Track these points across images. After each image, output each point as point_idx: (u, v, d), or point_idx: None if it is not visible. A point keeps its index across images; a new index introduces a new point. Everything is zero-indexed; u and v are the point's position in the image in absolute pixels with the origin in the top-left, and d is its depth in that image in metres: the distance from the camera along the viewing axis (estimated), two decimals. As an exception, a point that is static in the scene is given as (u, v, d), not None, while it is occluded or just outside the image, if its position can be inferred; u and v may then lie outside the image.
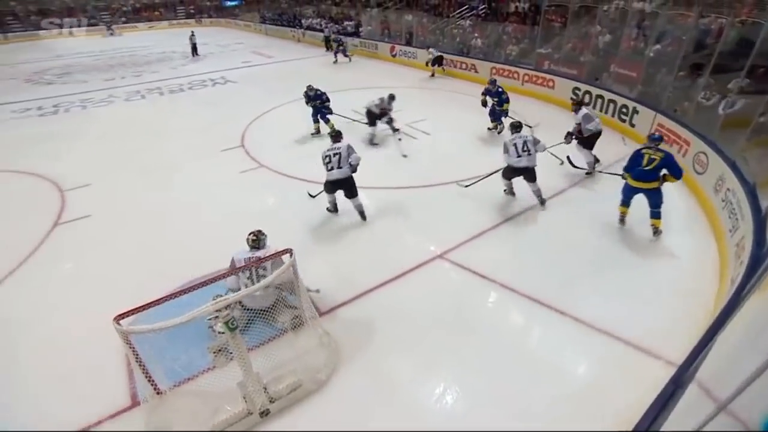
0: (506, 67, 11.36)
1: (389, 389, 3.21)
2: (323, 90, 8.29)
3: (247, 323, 3.17)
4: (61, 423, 3.04)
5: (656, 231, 4.72)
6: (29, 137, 9.32)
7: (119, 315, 2.66)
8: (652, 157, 4.46)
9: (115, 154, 8.05)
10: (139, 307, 2.71)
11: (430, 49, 13.07)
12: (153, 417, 2.92)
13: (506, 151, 5.41)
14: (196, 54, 19.24)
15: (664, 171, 4.45)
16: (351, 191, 5.21)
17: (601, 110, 8.51)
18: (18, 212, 6.14)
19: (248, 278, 3.42)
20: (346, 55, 15.86)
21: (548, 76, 10.13)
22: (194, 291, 2.85)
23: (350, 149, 5.15)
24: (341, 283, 4.28)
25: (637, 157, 4.61)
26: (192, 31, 20.89)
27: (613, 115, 8.23)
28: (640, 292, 4.04)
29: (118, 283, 4.42)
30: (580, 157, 6.36)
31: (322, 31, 20.12)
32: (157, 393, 3.02)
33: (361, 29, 17.89)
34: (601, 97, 8.57)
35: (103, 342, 3.46)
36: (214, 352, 2.88)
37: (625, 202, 4.85)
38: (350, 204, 5.33)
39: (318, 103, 8.15)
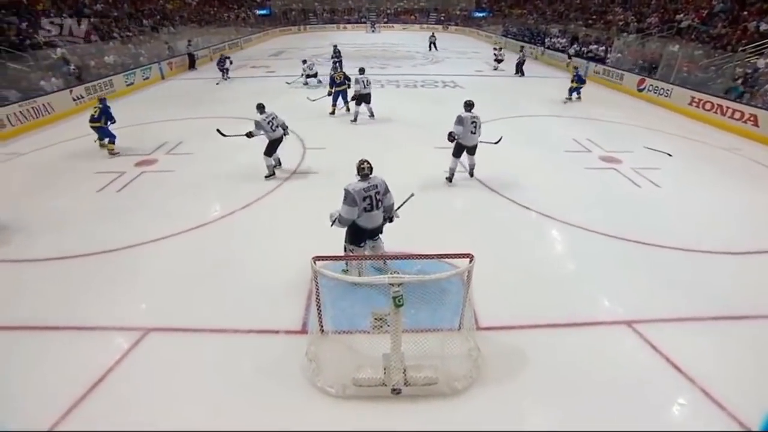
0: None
1: (516, 429, 2.99)
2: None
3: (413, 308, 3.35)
4: (251, 322, 3.88)
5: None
6: (294, 102, 11.94)
7: (317, 256, 3.20)
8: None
9: (350, 128, 9.60)
10: (334, 256, 3.20)
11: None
12: (312, 347, 3.44)
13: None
14: (435, 49, 23.93)
15: None
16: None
17: None
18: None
19: (369, 204, 3.83)
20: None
21: None
22: (379, 260, 3.18)
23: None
24: (509, 306, 4.11)
25: (579, 75, 12.39)
26: (432, 32, 25.84)
27: None
28: None
29: (321, 231, 5.31)
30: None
31: (563, 50, 19.17)
32: (321, 331, 3.54)
33: (609, 56, 16.22)
34: None
35: (298, 273, 4.25)
36: (375, 319, 3.19)
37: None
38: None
39: None
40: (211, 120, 10.40)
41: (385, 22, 41.19)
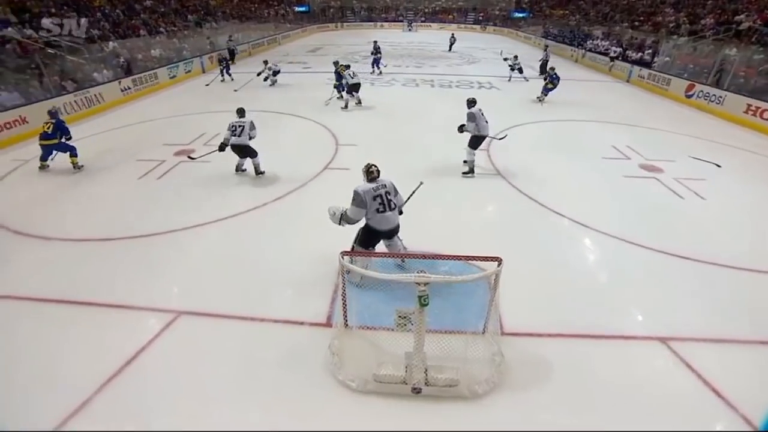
0: None
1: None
2: None
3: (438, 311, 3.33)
4: (277, 312, 3.97)
5: None
6: (323, 99, 12.03)
7: (345, 251, 3.24)
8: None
9: (381, 126, 9.68)
10: (362, 252, 3.22)
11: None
12: (335, 341, 3.48)
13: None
14: (451, 50, 24.00)
15: None
16: (251, 154, 6.73)
17: None
18: (310, 151, 8.19)
19: (380, 204, 3.91)
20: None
21: None
22: (404, 258, 3.17)
23: (252, 125, 6.61)
24: (536, 312, 4.02)
25: (556, 76, 11.70)
26: (452, 33, 25.57)
27: None
28: None
29: (352, 226, 5.36)
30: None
31: (606, 54, 18.48)
32: (345, 325, 3.58)
33: (655, 59, 15.49)
34: None
35: (324, 266, 4.31)
36: (400, 317, 3.18)
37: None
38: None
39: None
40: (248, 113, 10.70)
41: (422, 21, 40.98)
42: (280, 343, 3.67)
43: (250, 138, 6.66)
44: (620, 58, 17.22)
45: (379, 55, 16.49)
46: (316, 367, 3.38)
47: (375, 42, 17.07)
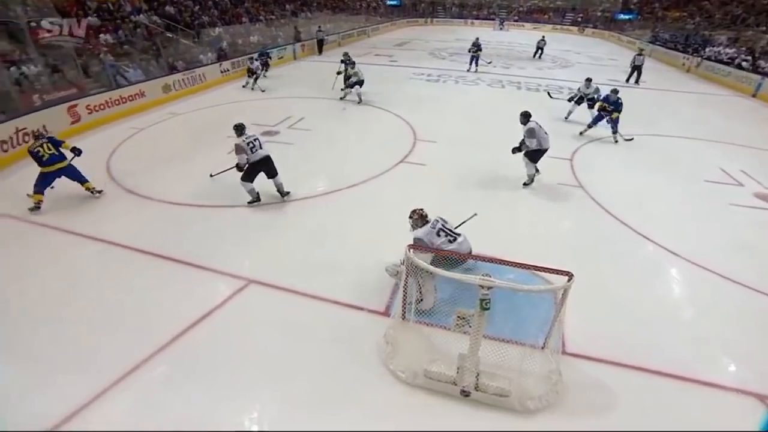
0: None
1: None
2: None
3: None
4: (339, 294, 4.12)
5: None
6: (413, 94, 12.22)
7: (412, 245, 3.26)
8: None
9: (460, 125, 9.52)
10: (428, 248, 3.22)
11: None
12: (391, 330, 3.55)
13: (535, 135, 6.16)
14: (539, 57, 20.70)
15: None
16: (272, 171, 5.80)
17: None
18: (387, 142, 8.31)
19: (446, 236, 3.91)
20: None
21: None
22: (472, 261, 3.12)
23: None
24: (606, 337, 3.75)
25: (619, 100, 8.61)
26: (543, 36, 21.94)
27: None
28: None
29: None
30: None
31: (730, 62, 16.29)
32: (403, 317, 3.61)
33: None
34: None
35: (390, 257, 4.37)
36: (459, 317, 3.15)
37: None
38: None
39: None
40: (332, 101, 11.16)
41: (515, 20, 39.33)
42: (338, 325, 3.81)
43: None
44: (748, 69, 15.08)
45: (479, 53, 16.11)
46: (369, 352, 3.47)
47: (477, 38, 16.62)
